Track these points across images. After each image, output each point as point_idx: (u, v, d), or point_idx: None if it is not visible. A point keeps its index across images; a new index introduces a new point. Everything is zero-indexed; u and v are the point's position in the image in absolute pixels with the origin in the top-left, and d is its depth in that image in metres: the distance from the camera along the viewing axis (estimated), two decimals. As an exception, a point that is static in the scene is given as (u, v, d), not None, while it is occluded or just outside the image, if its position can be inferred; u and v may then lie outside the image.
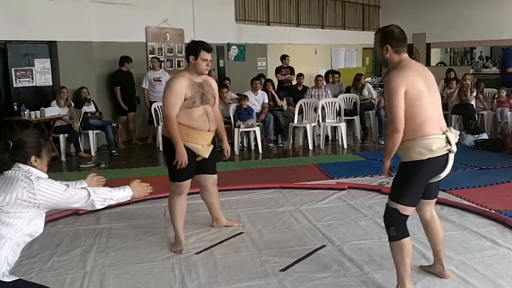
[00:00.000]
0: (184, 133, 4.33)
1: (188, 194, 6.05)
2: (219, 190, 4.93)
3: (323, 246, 4.46)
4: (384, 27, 3.55)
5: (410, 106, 3.22)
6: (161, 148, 9.48)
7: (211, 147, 4.59)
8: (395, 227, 3.34)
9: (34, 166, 2.65)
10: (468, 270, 3.86)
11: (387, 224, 3.39)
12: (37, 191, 2.52)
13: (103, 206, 2.81)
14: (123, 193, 2.91)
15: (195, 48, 4.34)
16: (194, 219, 5.19)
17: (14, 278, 2.52)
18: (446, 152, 3.31)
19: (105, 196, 2.79)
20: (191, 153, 4.40)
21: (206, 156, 4.54)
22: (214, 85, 4.63)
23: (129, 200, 3.01)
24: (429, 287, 3.62)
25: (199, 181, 4.77)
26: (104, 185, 3.16)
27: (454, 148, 3.32)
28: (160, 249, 4.51)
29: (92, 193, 2.72)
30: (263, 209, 5.55)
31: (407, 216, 3.38)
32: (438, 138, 3.29)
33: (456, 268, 3.89)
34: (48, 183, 2.59)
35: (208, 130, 4.47)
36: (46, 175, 2.70)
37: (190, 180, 4.51)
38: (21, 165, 2.61)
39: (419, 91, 3.25)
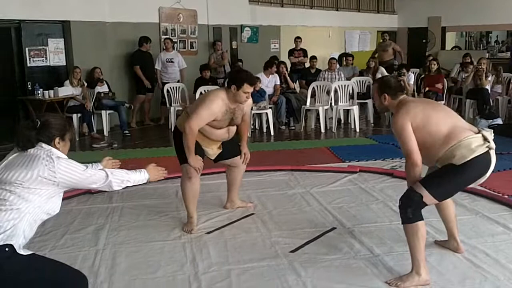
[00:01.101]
0: (201, 138, 4.38)
1: (203, 174, 6.12)
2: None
3: (334, 228, 4.47)
4: (380, 78, 3.77)
5: (424, 127, 3.36)
6: (173, 129, 9.53)
7: (220, 150, 4.62)
8: (413, 209, 3.35)
9: (56, 148, 2.71)
10: (479, 255, 3.86)
11: (405, 205, 3.39)
12: (58, 169, 2.57)
13: (120, 188, 2.88)
14: (139, 176, 2.99)
15: (240, 78, 4.26)
16: (205, 200, 5.21)
17: (29, 252, 2.56)
18: (487, 149, 3.35)
19: (122, 177, 2.87)
20: (198, 146, 4.43)
21: (212, 158, 4.65)
22: (248, 105, 4.59)
23: (145, 183, 3.07)
24: (440, 271, 3.62)
25: (225, 163, 4.83)
26: (120, 167, 3.22)
27: (492, 144, 3.37)
28: (172, 228, 4.55)
29: (110, 174, 2.79)
30: (274, 191, 5.56)
31: (426, 205, 3.39)
32: (475, 137, 3.35)
33: (467, 253, 3.88)
34: (67, 162, 2.64)
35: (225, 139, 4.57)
36: (66, 157, 2.75)
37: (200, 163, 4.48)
38: (44, 144, 2.67)
39: (424, 114, 3.40)
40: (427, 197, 3.35)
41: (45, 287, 2.57)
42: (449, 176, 3.36)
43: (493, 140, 3.41)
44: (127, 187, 2.96)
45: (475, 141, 3.32)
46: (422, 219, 3.39)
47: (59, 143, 2.72)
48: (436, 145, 3.36)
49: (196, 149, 4.35)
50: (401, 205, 3.44)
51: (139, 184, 3.14)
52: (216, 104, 4.24)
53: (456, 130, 3.37)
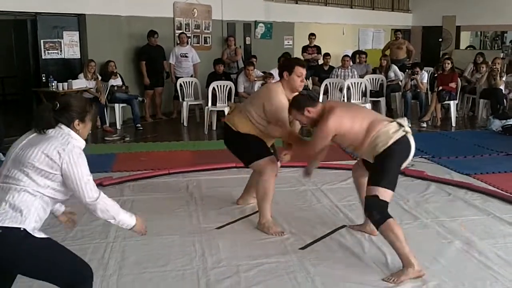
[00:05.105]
0: (261, 135, 4.30)
1: (214, 169, 6.13)
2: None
3: (344, 226, 4.46)
4: (292, 100, 3.99)
5: (351, 130, 3.69)
6: (185, 124, 9.57)
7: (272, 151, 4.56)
8: (377, 210, 3.51)
9: (76, 130, 2.66)
10: (490, 256, 3.83)
11: (369, 210, 3.57)
12: (68, 153, 2.52)
13: (102, 215, 2.68)
14: (127, 218, 2.79)
15: (290, 64, 4.24)
16: (216, 194, 5.24)
17: (44, 235, 2.55)
18: (404, 133, 3.62)
19: (112, 208, 2.69)
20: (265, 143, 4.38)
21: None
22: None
23: (130, 228, 2.84)
24: (451, 272, 3.61)
25: None
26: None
27: (407, 128, 3.67)
28: (182, 223, 4.56)
29: (102, 196, 2.66)
30: (285, 188, 5.55)
31: (387, 202, 3.53)
32: (390, 125, 3.66)
33: (478, 253, 3.87)
34: (80, 156, 2.58)
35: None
36: (83, 142, 2.70)
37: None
38: (63, 126, 2.62)
39: (349, 120, 3.70)
40: (382, 192, 3.51)
41: (62, 269, 2.58)
42: (386, 166, 3.58)
43: (409, 126, 3.76)
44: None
45: (391, 128, 3.62)
46: (391, 217, 3.51)
47: (78, 124, 2.66)
48: (360, 139, 3.67)
49: (266, 147, 4.37)
50: (367, 213, 3.68)
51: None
52: (283, 97, 4.13)
53: (374, 123, 3.66)
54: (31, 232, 2.47)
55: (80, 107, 2.68)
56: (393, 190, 3.59)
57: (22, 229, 2.45)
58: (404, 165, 3.73)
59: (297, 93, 4.11)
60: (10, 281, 2.74)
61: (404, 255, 3.48)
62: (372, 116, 3.82)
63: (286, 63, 4.31)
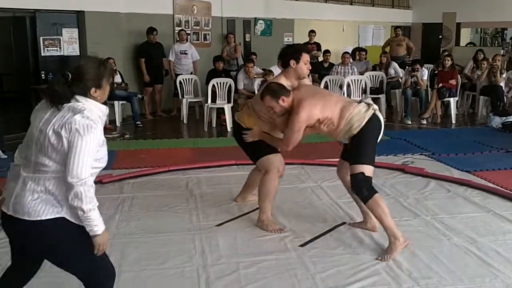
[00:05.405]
0: (265, 128, 4.26)
1: (214, 166, 6.12)
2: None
3: (344, 223, 4.46)
4: (266, 87, 4.05)
5: (323, 120, 3.86)
6: (185, 121, 9.56)
7: None
8: (366, 187, 3.77)
9: (94, 97, 2.46)
10: (490, 253, 3.83)
11: (359, 188, 3.82)
12: (77, 124, 2.32)
13: (72, 200, 2.33)
14: (99, 221, 2.41)
15: (296, 51, 4.18)
16: (216, 192, 5.23)
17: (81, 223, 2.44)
18: (373, 111, 3.86)
19: (86, 199, 2.33)
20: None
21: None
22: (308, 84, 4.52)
23: (93, 235, 2.43)
24: (450, 269, 3.61)
25: None
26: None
27: (375, 106, 3.92)
28: (181, 220, 4.55)
29: (88, 183, 2.34)
30: (285, 185, 5.52)
31: (371, 177, 3.79)
32: (359, 105, 3.89)
33: (478, 250, 3.86)
34: (91, 130, 2.34)
35: None
36: (104, 108, 2.50)
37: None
38: (78, 97, 2.42)
39: (321, 109, 3.85)
40: (366, 169, 3.77)
41: (89, 263, 2.52)
42: (365, 144, 3.84)
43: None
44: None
45: (362, 108, 3.85)
46: (377, 192, 3.82)
47: (95, 91, 2.45)
48: (335, 123, 3.85)
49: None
50: (356, 191, 3.89)
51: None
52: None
53: (345, 107, 3.87)
54: (69, 219, 2.41)
55: (93, 74, 2.46)
56: (373, 165, 3.84)
57: (61, 218, 2.40)
58: (379, 139, 3.94)
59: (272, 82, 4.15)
60: (38, 266, 2.72)
61: (391, 229, 3.76)
62: (341, 100, 4.01)
63: (291, 51, 4.21)
